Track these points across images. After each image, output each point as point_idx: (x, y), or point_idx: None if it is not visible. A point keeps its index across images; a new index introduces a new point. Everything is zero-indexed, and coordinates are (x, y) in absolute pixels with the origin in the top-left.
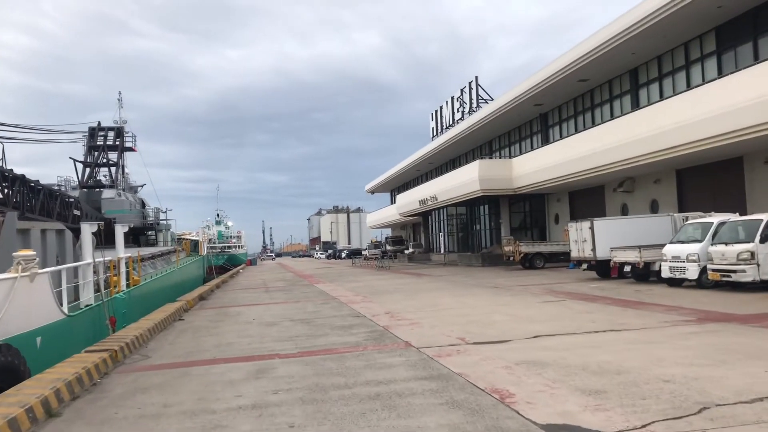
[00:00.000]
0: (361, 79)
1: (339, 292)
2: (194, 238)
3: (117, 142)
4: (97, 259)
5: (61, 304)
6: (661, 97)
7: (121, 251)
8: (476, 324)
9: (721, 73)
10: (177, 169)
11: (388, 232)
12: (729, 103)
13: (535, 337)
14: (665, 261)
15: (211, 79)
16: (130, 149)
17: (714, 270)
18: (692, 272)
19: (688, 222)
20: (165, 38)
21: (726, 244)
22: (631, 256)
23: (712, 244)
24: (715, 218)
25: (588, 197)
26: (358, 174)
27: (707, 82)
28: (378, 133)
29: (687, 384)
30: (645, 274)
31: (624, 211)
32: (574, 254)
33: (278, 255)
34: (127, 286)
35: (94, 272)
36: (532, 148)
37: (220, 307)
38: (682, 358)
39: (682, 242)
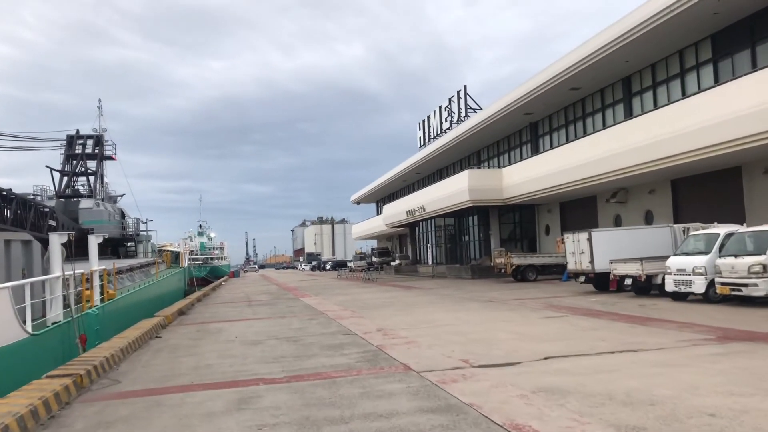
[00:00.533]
0: (346, 90)
1: (326, 307)
2: (175, 249)
3: (96, 151)
4: (67, 272)
5: (24, 322)
6: (655, 106)
7: (95, 263)
8: (479, 343)
9: (717, 81)
10: (160, 180)
11: (374, 243)
12: (728, 111)
13: (545, 358)
14: (669, 274)
15: (194, 89)
16: (110, 158)
17: (723, 284)
18: (699, 286)
19: (693, 233)
20: (147, 48)
21: (735, 256)
22: (633, 269)
23: (720, 257)
24: (721, 229)
25: (580, 208)
26: (342, 185)
27: (704, 90)
28: (363, 144)
29: (737, 419)
30: (646, 287)
31: (617, 223)
32: (571, 266)
33: (262, 267)
34: (101, 300)
35: (65, 286)
36: (522, 158)
37: (200, 323)
38: (719, 386)
39: (687, 254)
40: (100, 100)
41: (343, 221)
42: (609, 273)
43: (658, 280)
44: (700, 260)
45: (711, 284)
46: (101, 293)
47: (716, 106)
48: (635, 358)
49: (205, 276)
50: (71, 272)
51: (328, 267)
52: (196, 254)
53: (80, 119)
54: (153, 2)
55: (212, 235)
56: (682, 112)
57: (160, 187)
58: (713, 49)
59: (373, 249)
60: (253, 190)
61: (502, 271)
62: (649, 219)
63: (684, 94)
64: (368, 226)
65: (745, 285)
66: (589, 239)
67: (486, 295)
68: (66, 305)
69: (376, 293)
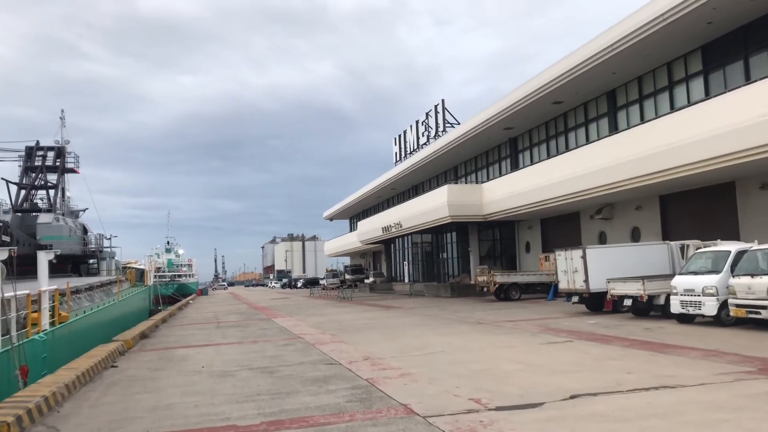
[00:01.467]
0: (318, 108)
1: (302, 329)
2: (140, 266)
3: (57, 163)
4: (6, 294)
5: None
6: (642, 120)
7: (45, 282)
8: (485, 376)
9: (708, 94)
10: (128, 196)
11: (346, 260)
12: (721, 125)
13: (572, 397)
14: (675, 294)
15: (163, 104)
16: (72, 171)
17: (738, 305)
18: (710, 308)
19: (700, 251)
20: (116, 63)
21: (752, 275)
22: (633, 289)
23: (732, 276)
24: (731, 246)
25: (562, 225)
26: (313, 202)
27: (695, 103)
28: (334, 161)
29: None
30: (646, 308)
31: (602, 240)
32: (563, 285)
33: (231, 284)
34: (52, 324)
35: (4, 309)
36: (501, 174)
37: (163, 349)
38: None
39: (695, 273)
40: (63, 111)
41: (314, 238)
42: (605, 293)
43: (660, 301)
44: (711, 280)
45: (723, 306)
46: (52, 316)
47: (710, 119)
48: (680, 398)
49: (173, 294)
50: (12, 294)
51: (299, 284)
52: (164, 271)
53: (46, 134)
54: (123, 16)
55: (180, 251)
56: (673, 125)
57: (128, 203)
58: (704, 60)
59: (346, 266)
60: (222, 206)
61: (485, 289)
62: (636, 236)
63: (673, 107)
64: (341, 243)
65: (764, 307)
66: (584, 257)
67: (472, 315)
68: (5, 332)
69: (355, 313)
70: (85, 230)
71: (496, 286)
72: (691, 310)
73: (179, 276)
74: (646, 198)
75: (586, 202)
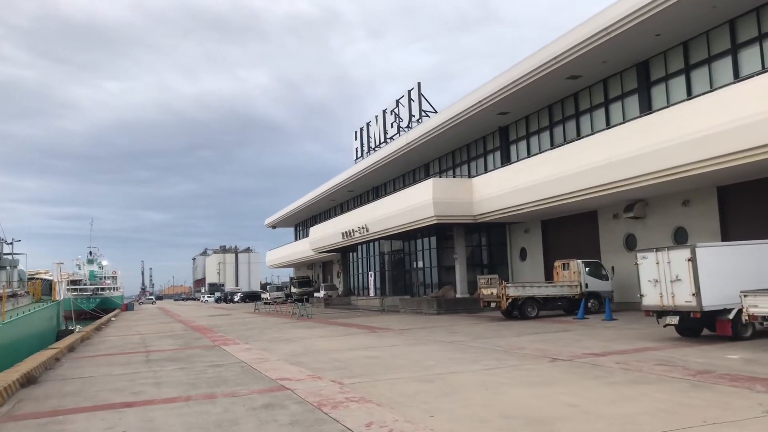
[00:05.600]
0: (250, 118)
1: (277, 367)
2: (48, 277)
3: None
4: None
5: None
6: (689, 94)
7: None
8: None
9: None
10: (48, 206)
11: (289, 271)
12: None
13: None
14: None
15: (87, 111)
16: None
17: None
18: None
19: None
20: (36, 65)
21: None
22: None
23: None
24: None
25: (571, 227)
26: (246, 214)
27: None
28: (266, 173)
29: None
30: None
31: (629, 243)
32: (650, 301)
33: (159, 298)
34: None
35: None
36: (486, 170)
37: (51, 414)
38: None
39: None
40: None
41: (247, 250)
42: (720, 311)
43: None
44: None
45: None
46: None
47: None
48: None
49: (94, 309)
50: None
51: (236, 299)
52: (85, 284)
53: None
54: (43, 17)
55: (104, 263)
56: (752, 93)
57: (47, 212)
58: None
59: (291, 278)
60: (150, 217)
61: (491, 305)
62: (680, 237)
63: (737, 76)
64: (285, 253)
65: None
66: (692, 259)
67: (510, 342)
68: None
69: (335, 338)
70: None
71: (509, 300)
72: None
73: (102, 289)
74: (698, 191)
75: (610, 198)
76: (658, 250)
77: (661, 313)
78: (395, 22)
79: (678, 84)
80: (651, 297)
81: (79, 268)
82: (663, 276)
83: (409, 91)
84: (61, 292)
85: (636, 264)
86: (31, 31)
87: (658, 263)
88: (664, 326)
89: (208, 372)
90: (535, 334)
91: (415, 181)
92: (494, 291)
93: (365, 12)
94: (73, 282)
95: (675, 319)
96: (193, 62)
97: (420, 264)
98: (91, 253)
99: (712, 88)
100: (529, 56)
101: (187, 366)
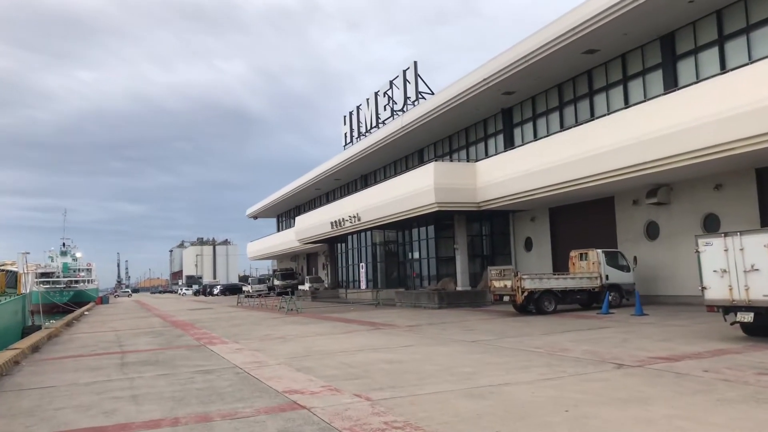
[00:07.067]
0: (227, 109)
1: (281, 375)
2: (13, 268)
3: None
4: None
5: None
6: (723, 68)
7: None
8: None
9: None
10: (19, 197)
11: (269, 264)
12: None
13: None
14: None
15: (61, 100)
16: None
17: None
18: None
19: None
20: (7, 54)
21: None
22: None
23: None
24: None
25: (583, 214)
26: (223, 206)
27: None
28: (245, 164)
29: None
30: None
31: (651, 232)
32: (715, 295)
33: (135, 291)
34: None
35: None
36: (486, 155)
37: None
38: None
39: None
40: None
41: (225, 242)
42: None
43: None
44: None
45: None
46: None
47: None
48: None
49: (68, 302)
50: None
51: (216, 291)
52: (58, 276)
53: None
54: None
55: (78, 255)
56: None
57: (17, 203)
58: None
59: (275, 270)
60: (126, 209)
61: (504, 298)
62: (711, 225)
63: None
64: (267, 245)
65: None
66: None
67: (527, 340)
68: None
69: (335, 336)
70: None
71: (525, 293)
72: None
73: (76, 282)
74: (734, 173)
75: (632, 182)
76: (726, 235)
77: (729, 308)
78: (373, 14)
79: (709, 57)
80: (717, 290)
81: (52, 260)
82: (733, 265)
83: (405, 71)
84: (28, 285)
85: (696, 251)
86: (3, 19)
87: (726, 250)
88: (732, 324)
89: (197, 381)
90: (567, 331)
91: (407, 169)
92: (507, 284)
93: (343, 3)
94: (45, 274)
95: (748, 316)
96: (169, 52)
97: (416, 255)
98: (64, 244)
99: (751, 61)
100: (543, 28)
101: (171, 372)
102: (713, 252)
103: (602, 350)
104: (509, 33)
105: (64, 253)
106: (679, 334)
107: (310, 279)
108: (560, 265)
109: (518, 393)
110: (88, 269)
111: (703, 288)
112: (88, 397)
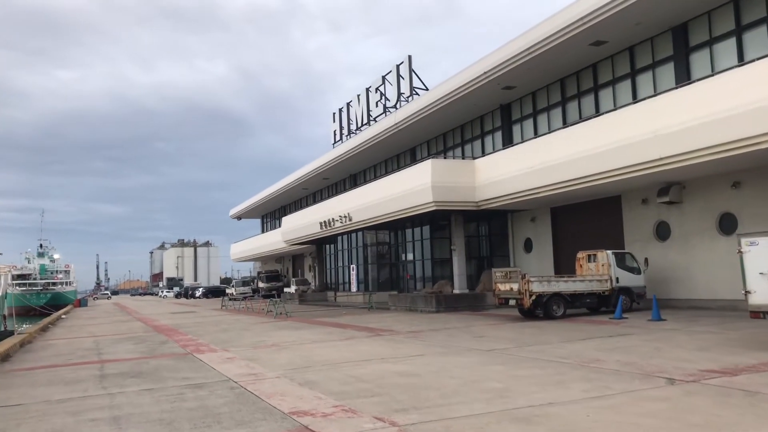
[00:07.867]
0: (209, 110)
1: (278, 390)
2: None
3: None
4: None
5: None
6: (741, 59)
7: None
8: None
9: None
10: None
11: (251, 266)
12: None
13: None
14: None
15: (38, 99)
16: None
17: None
18: None
19: None
20: None
21: None
22: None
23: None
24: None
25: (589, 214)
26: (205, 208)
27: None
28: (226, 166)
29: None
30: None
31: (661, 232)
32: (762, 300)
33: (114, 293)
34: None
35: None
36: (484, 153)
37: None
38: None
39: None
40: None
41: (207, 244)
42: None
43: None
44: None
45: None
46: None
47: None
48: None
49: (45, 305)
50: None
51: (198, 294)
52: (35, 278)
53: None
54: None
55: (56, 256)
56: None
57: None
58: None
59: (260, 272)
60: (105, 210)
61: (510, 302)
62: (726, 226)
63: None
64: (252, 246)
65: None
66: None
67: (549, 349)
68: None
69: (334, 344)
70: None
71: (533, 297)
72: None
73: (54, 284)
74: (752, 171)
75: (642, 180)
76: (760, 234)
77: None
78: (356, 15)
79: (726, 48)
80: (763, 294)
81: (29, 262)
82: None
83: (398, 66)
84: (1, 287)
85: (739, 252)
86: None
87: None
88: None
89: (188, 398)
90: (588, 339)
91: (399, 167)
92: (514, 287)
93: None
94: (21, 276)
95: None
96: (149, 51)
97: (410, 256)
98: (41, 245)
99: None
100: (548, 18)
101: (156, 386)
102: (759, 252)
103: (640, 361)
104: (492, 36)
105: (41, 255)
106: (713, 342)
107: (296, 281)
108: (563, 267)
109: (571, 417)
110: (66, 271)
111: (747, 292)
112: (60, 420)
